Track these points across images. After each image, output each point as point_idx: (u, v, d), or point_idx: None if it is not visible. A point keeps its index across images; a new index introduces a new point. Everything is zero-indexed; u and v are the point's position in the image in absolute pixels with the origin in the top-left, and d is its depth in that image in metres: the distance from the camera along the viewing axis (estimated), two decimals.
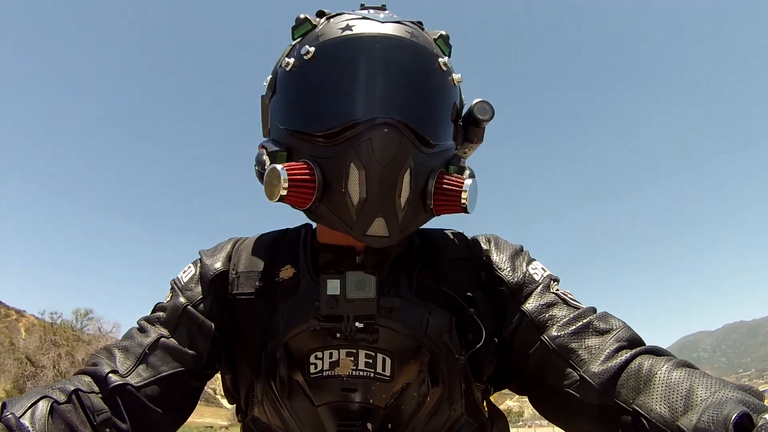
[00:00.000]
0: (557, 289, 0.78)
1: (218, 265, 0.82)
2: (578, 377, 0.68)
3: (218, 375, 0.86)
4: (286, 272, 0.79)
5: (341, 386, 0.72)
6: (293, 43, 0.76)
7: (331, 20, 0.73)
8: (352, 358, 0.71)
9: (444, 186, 0.70)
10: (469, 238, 0.86)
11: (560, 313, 0.74)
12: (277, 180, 0.66)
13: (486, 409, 0.83)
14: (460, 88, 0.79)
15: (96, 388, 0.69)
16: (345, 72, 0.69)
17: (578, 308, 0.75)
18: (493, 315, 0.79)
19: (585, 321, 0.72)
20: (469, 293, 0.77)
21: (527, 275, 0.79)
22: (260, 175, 0.72)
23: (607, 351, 0.68)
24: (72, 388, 0.66)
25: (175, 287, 0.81)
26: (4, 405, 0.62)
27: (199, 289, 0.80)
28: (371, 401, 0.72)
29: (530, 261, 0.82)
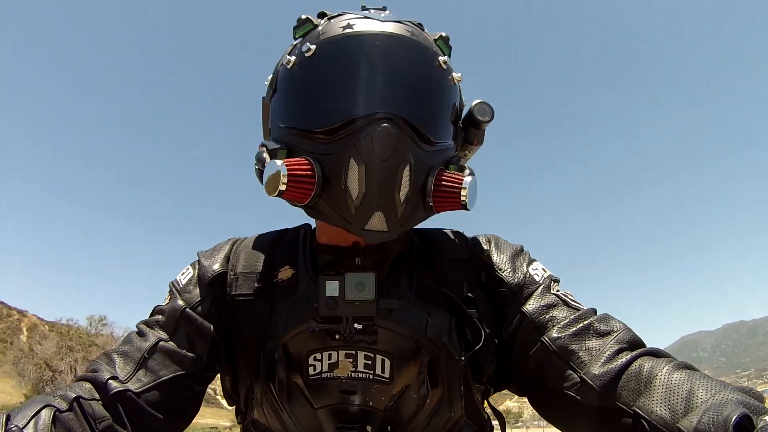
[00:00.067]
0: (558, 290, 0.78)
1: (216, 266, 0.81)
2: (579, 379, 0.68)
3: (218, 376, 0.85)
4: (285, 273, 0.79)
5: (340, 388, 0.71)
6: (294, 43, 0.76)
7: (333, 20, 0.73)
8: (351, 360, 0.71)
9: (443, 183, 0.70)
10: (469, 238, 0.86)
11: (561, 314, 0.74)
12: (277, 175, 0.65)
13: (486, 409, 0.82)
14: (460, 88, 0.79)
15: (97, 395, 0.69)
16: (345, 69, 0.69)
17: (579, 309, 0.75)
18: (493, 316, 0.78)
19: (585, 323, 0.72)
20: (469, 294, 0.77)
21: (528, 276, 0.79)
22: (260, 174, 0.72)
23: (608, 353, 0.68)
24: (73, 395, 0.66)
25: (174, 289, 0.81)
26: (8, 417, 0.61)
27: (198, 291, 0.79)
28: (370, 403, 0.71)
29: (531, 261, 0.82)
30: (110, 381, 0.69)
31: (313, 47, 0.70)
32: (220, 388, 0.88)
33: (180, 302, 0.78)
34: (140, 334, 0.77)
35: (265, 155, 0.72)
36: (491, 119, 0.80)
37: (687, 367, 0.63)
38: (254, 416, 0.80)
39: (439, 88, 0.74)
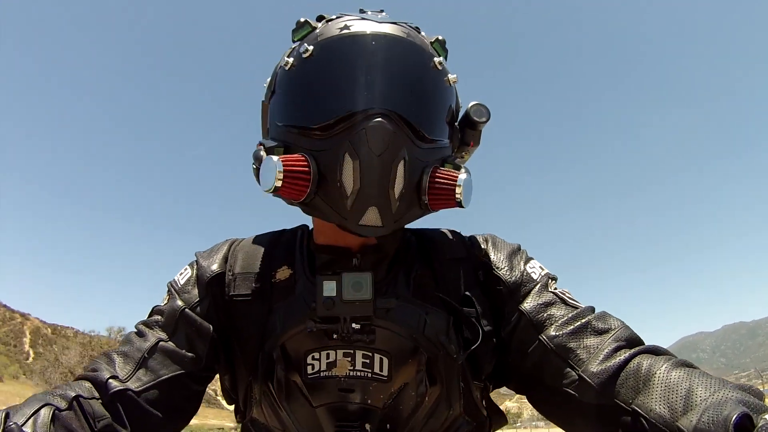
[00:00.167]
0: (555, 288, 0.78)
1: (215, 266, 0.82)
2: (577, 377, 0.68)
3: (217, 376, 0.86)
4: (283, 273, 0.79)
5: (339, 387, 0.72)
6: (293, 46, 0.77)
7: (330, 23, 0.74)
8: (349, 359, 0.71)
9: (438, 180, 0.70)
10: (466, 237, 0.86)
11: (558, 312, 0.74)
12: (273, 170, 0.66)
13: (485, 407, 0.83)
14: (456, 90, 0.79)
15: (96, 394, 0.69)
16: (341, 67, 0.70)
17: (577, 307, 0.75)
18: (491, 314, 0.78)
19: (583, 320, 0.72)
20: (467, 292, 0.77)
21: (525, 274, 0.79)
22: (257, 172, 0.72)
23: (606, 351, 0.68)
24: (73, 394, 0.66)
25: (172, 290, 0.81)
26: (7, 414, 0.62)
27: (196, 291, 0.80)
28: (369, 402, 0.72)
29: (528, 260, 0.82)
30: (110, 380, 0.70)
31: (311, 48, 0.71)
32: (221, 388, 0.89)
33: (179, 303, 0.78)
34: (140, 334, 0.77)
35: (262, 153, 0.72)
36: (487, 120, 0.80)
37: (686, 364, 0.63)
38: (253, 415, 0.80)
39: (435, 87, 0.74)
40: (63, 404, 0.65)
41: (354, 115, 0.67)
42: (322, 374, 0.72)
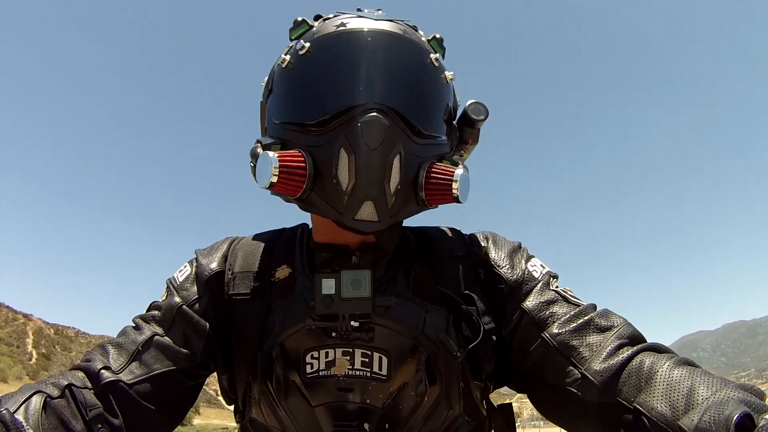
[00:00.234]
0: (557, 286, 0.78)
1: (214, 265, 0.82)
2: (580, 375, 0.67)
3: (218, 376, 0.85)
4: (282, 272, 0.79)
5: (338, 386, 0.71)
6: (290, 44, 0.77)
7: (327, 21, 0.74)
8: (348, 358, 0.71)
9: (434, 175, 0.70)
10: (466, 235, 0.86)
11: (561, 310, 0.74)
12: (269, 167, 0.66)
13: (485, 407, 0.82)
14: (453, 87, 0.79)
15: (89, 384, 0.70)
16: (337, 63, 0.70)
17: (579, 305, 0.75)
18: (491, 313, 0.78)
19: (586, 318, 0.72)
20: (467, 291, 0.77)
21: (526, 272, 0.78)
22: (255, 169, 0.72)
23: (609, 348, 0.68)
24: (65, 383, 0.67)
25: (171, 286, 0.81)
26: None
27: (195, 289, 0.80)
28: (368, 401, 0.71)
29: (529, 258, 0.82)
30: (102, 371, 0.70)
31: (307, 45, 0.71)
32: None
33: (177, 299, 0.79)
34: (136, 327, 0.78)
35: (259, 150, 0.72)
36: (486, 118, 0.81)
37: (688, 363, 0.63)
38: (252, 415, 0.80)
39: (431, 84, 0.74)
40: (55, 392, 0.65)
41: (350, 110, 0.66)
42: (321, 373, 0.71)
